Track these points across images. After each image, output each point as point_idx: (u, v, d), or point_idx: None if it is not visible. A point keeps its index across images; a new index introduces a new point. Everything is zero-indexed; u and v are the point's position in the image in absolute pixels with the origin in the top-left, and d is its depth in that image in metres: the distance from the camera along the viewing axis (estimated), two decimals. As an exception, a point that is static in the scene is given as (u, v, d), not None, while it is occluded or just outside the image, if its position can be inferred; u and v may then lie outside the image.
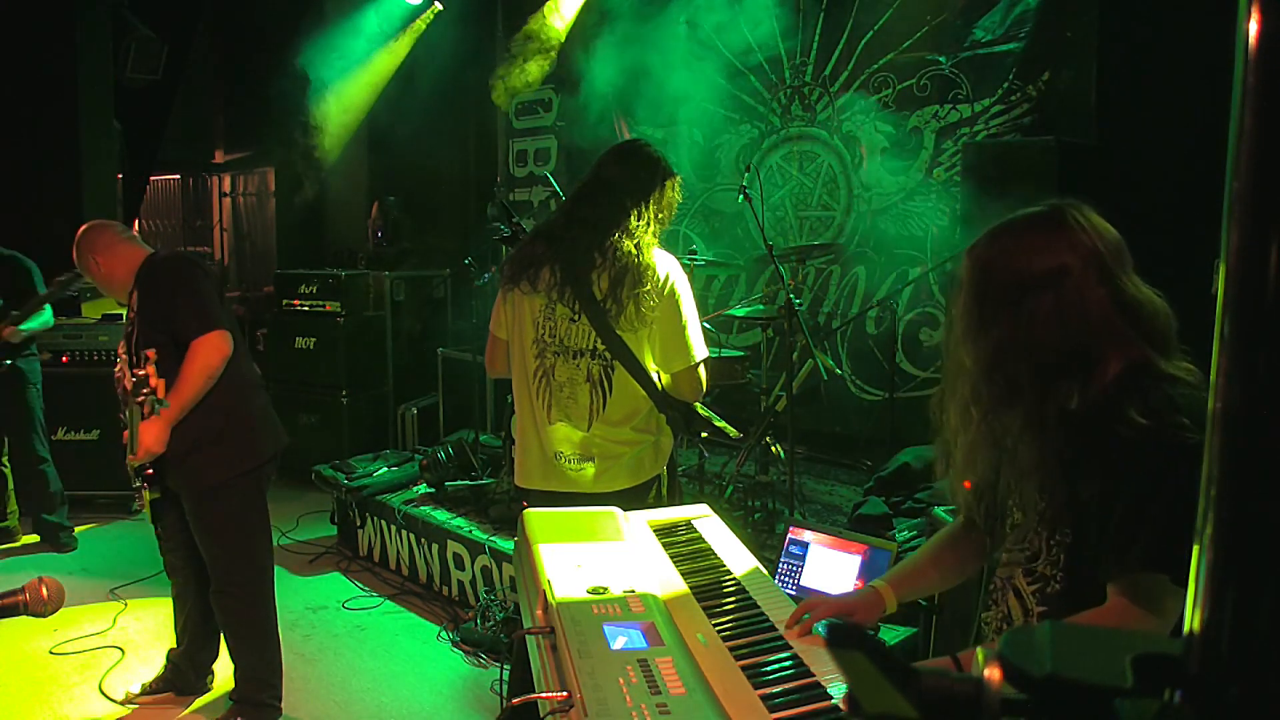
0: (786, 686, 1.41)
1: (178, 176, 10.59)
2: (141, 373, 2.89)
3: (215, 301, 3.05)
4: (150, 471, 3.02)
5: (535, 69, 6.91)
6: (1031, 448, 1.39)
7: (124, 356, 3.13)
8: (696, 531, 2.06)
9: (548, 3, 6.78)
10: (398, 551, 4.71)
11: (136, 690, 3.51)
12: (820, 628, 1.61)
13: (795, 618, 1.62)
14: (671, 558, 1.89)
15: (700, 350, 2.54)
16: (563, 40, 6.76)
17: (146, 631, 4.10)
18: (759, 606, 1.69)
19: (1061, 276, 1.36)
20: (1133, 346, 1.36)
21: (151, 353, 2.88)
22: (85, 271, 3.25)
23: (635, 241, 2.46)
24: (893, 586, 1.70)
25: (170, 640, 3.55)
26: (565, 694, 1.32)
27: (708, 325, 3.96)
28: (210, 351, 2.94)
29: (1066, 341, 1.35)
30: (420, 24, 7.40)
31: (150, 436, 2.93)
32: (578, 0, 6.69)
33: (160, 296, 3.04)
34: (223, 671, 3.69)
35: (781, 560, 2.86)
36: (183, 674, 3.50)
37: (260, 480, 3.22)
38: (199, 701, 3.49)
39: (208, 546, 3.15)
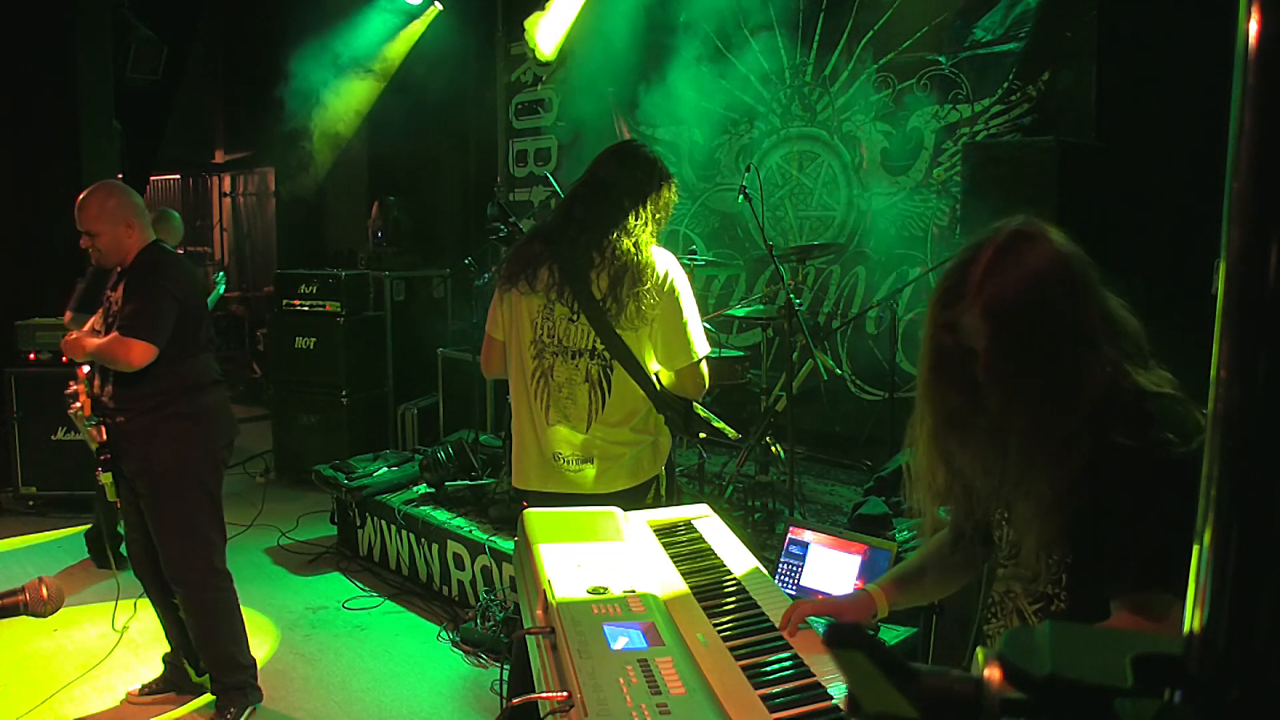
0: (786, 686, 1.41)
1: (178, 176, 10.59)
2: (73, 388, 3.06)
3: (168, 319, 3.08)
4: (106, 456, 3.11)
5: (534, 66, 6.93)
6: (1043, 485, 1.33)
7: (99, 330, 3.20)
8: (696, 531, 2.06)
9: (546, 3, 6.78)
10: (398, 551, 4.71)
11: (137, 690, 3.52)
12: (820, 628, 1.61)
13: (786, 619, 1.62)
14: (671, 558, 1.89)
15: (702, 347, 2.53)
16: (559, 48, 6.77)
17: (147, 631, 4.09)
18: (759, 606, 1.69)
19: (1077, 304, 1.31)
20: (1112, 364, 1.33)
21: (83, 370, 3.05)
22: (100, 227, 3.13)
23: (633, 240, 2.45)
24: (885, 591, 1.69)
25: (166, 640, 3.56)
26: (565, 694, 1.32)
27: (708, 325, 3.96)
28: (128, 354, 3.01)
29: (1086, 371, 1.31)
30: (420, 24, 7.40)
31: (78, 348, 3.09)
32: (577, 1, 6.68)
33: (135, 293, 3.10)
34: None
35: (781, 560, 2.86)
36: (180, 673, 3.51)
37: (216, 466, 3.29)
38: (199, 701, 3.49)
39: (160, 532, 3.19)
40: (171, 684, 3.51)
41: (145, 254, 3.18)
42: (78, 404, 3.11)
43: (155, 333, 3.05)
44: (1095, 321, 1.32)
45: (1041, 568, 1.40)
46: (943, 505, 1.54)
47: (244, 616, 3.39)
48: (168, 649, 3.54)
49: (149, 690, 3.51)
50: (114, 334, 3.07)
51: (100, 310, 3.27)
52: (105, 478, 3.13)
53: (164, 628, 3.49)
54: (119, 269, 3.20)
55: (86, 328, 3.32)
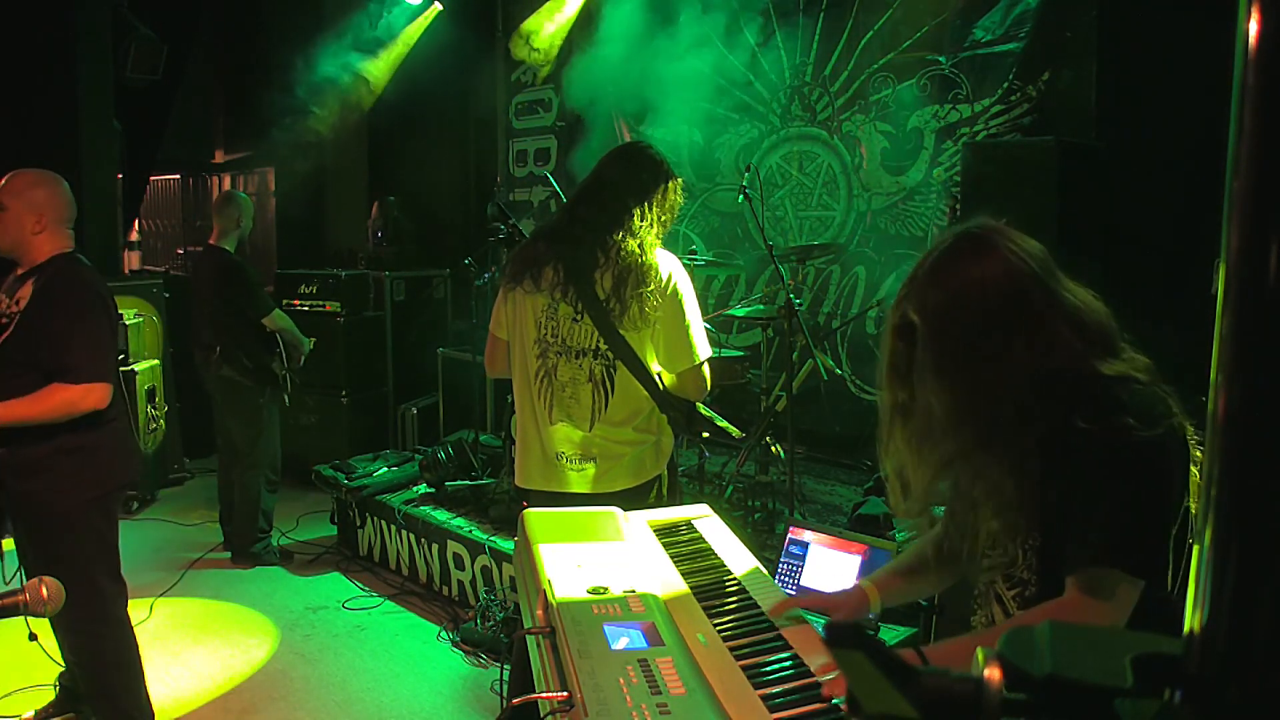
0: (787, 686, 1.41)
1: (178, 176, 10.58)
2: None
3: (110, 346, 2.78)
4: None
5: (551, 38, 6.88)
6: (1009, 478, 1.39)
7: None
8: (697, 531, 2.06)
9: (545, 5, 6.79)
10: (398, 551, 4.71)
11: (31, 716, 3.26)
12: (819, 626, 1.61)
13: (780, 609, 1.64)
14: (672, 558, 1.89)
15: (704, 349, 2.54)
16: (560, 41, 6.77)
17: (144, 631, 4.09)
18: (759, 607, 1.69)
19: (1015, 305, 1.35)
20: (1079, 356, 1.36)
21: None
22: (11, 202, 2.79)
23: (638, 241, 2.46)
24: (878, 586, 1.71)
25: (165, 640, 3.54)
26: (565, 694, 1.32)
27: (708, 325, 3.97)
28: (84, 401, 2.68)
29: (1035, 367, 1.35)
30: (420, 24, 7.40)
31: None
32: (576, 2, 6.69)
33: (61, 318, 2.72)
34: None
35: (781, 560, 2.86)
36: (74, 694, 3.25)
37: (110, 509, 2.91)
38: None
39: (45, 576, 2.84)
40: (66, 705, 3.25)
41: (68, 267, 2.78)
42: None
43: (100, 369, 2.67)
44: (1045, 317, 1.36)
45: (1018, 553, 1.43)
46: (926, 507, 1.55)
47: (249, 619, 3.26)
48: (169, 649, 3.49)
49: (46, 714, 3.25)
50: (61, 385, 2.65)
51: None
52: None
53: (59, 647, 3.18)
54: (18, 271, 2.82)
55: None
